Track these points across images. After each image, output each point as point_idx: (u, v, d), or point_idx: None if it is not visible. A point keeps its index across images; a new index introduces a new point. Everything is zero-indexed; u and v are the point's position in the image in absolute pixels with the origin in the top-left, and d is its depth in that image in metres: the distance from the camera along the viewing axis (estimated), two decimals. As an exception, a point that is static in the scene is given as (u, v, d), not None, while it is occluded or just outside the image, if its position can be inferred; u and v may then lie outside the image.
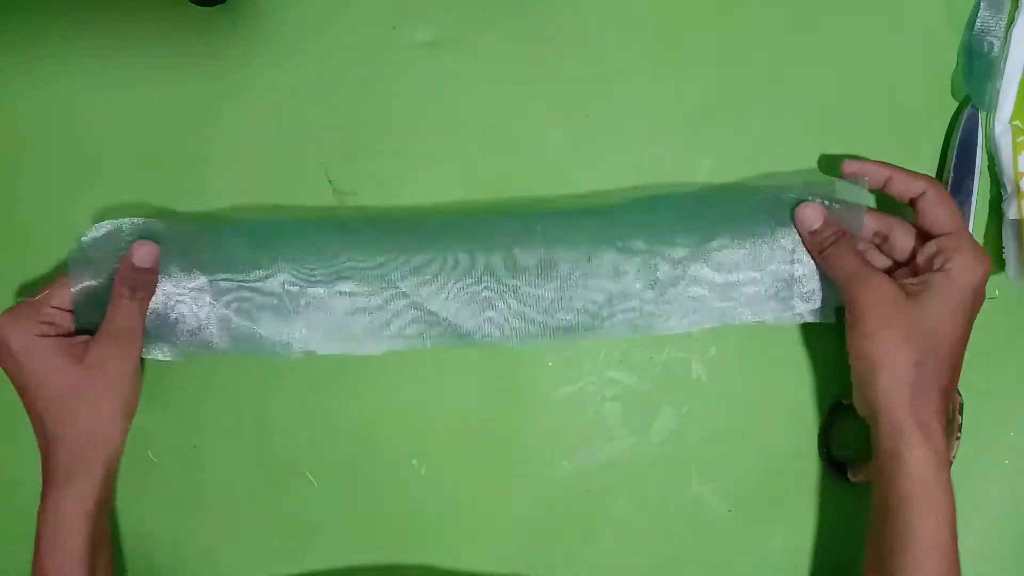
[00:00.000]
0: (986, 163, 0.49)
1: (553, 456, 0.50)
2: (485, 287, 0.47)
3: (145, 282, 0.46)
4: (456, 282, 0.47)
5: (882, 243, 0.46)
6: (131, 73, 0.49)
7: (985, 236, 0.50)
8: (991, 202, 0.50)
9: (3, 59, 0.49)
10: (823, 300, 0.47)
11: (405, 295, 0.47)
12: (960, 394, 0.48)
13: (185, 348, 0.48)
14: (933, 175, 0.49)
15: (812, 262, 0.47)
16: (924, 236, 0.45)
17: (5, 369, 0.45)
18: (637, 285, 0.47)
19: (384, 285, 0.47)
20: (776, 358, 0.50)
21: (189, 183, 0.49)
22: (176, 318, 0.47)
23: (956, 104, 0.49)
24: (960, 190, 0.48)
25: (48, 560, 0.44)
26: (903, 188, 0.45)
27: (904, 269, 0.46)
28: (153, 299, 0.47)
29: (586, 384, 0.50)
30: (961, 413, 0.49)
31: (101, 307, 0.46)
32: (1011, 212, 0.48)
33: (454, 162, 0.49)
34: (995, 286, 0.50)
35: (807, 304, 0.47)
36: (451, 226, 0.48)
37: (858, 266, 0.44)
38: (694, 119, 0.49)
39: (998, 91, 0.48)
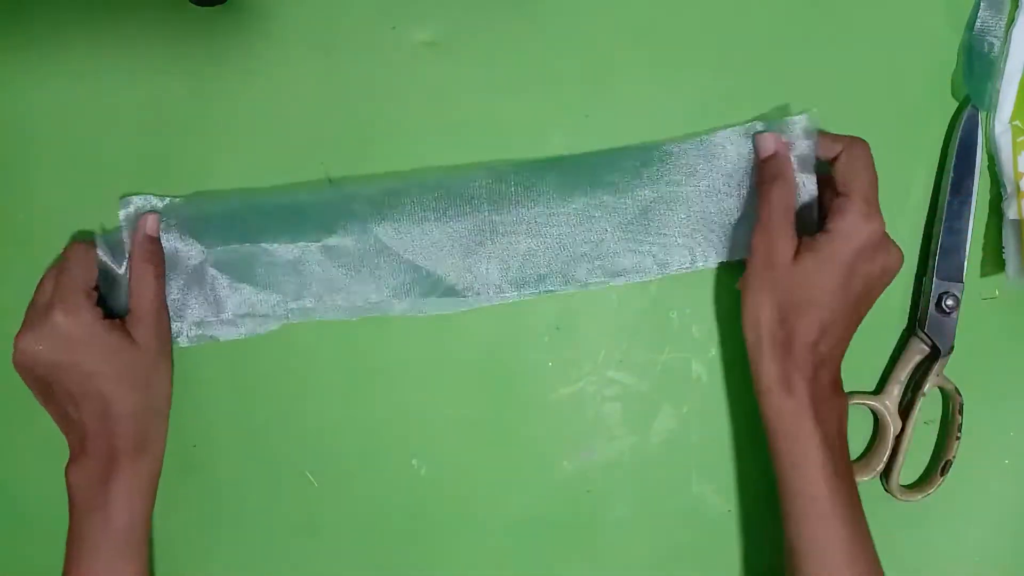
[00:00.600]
0: (986, 163, 0.49)
1: (553, 456, 0.50)
2: (467, 229, 0.48)
3: (159, 252, 0.48)
4: (436, 222, 0.48)
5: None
6: (131, 73, 0.49)
7: (985, 236, 0.50)
8: (991, 202, 0.50)
9: (4, 59, 0.49)
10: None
11: (385, 246, 0.48)
12: (960, 394, 0.48)
13: (194, 330, 0.49)
14: (933, 175, 0.49)
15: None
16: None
17: (59, 364, 0.44)
18: (607, 229, 0.48)
19: (363, 233, 0.48)
20: None
21: (189, 182, 0.49)
22: (182, 299, 0.48)
23: (956, 104, 0.49)
24: (960, 190, 0.48)
25: (121, 519, 0.44)
26: (824, 149, 0.46)
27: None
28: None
29: (586, 384, 0.50)
30: (961, 413, 0.49)
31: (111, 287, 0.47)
32: (1011, 212, 0.48)
33: (454, 162, 0.49)
34: (995, 286, 0.50)
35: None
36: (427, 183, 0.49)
37: (769, 215, 0.44)
38: (694, 119, 0.49)
39: (998, 91, 0.48)
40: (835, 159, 0.45)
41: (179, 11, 0.48)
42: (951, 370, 0.48)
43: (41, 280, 0.47)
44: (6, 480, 0.50)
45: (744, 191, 0.48)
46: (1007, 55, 0.48)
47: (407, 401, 0.50)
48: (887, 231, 0.43)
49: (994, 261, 0.49)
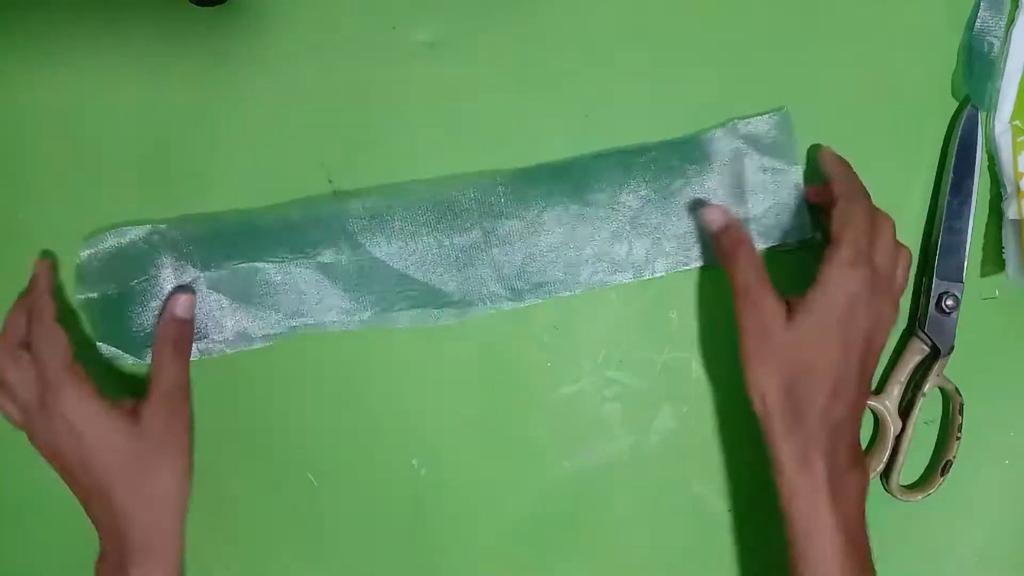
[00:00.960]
0: (986, 163, 0.49)
1: (553, 456, 0.50)
2: (460, 243, 0.48)
3: (186, 334, 0.46)
4: (429, 236, 0.48)
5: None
6: (131, 73, 0.49)
7: (985, 236, 0.50)
8: (991, 202, 0.50)
9: (3, 59, 0.49)
10: (784, 232, 0.48)
11: (380, 262, 0.48)
12: (960, 394, 0.48)
13: (194, 351, 0.48)
14: (933, 175, 0.49)
15: (766, 197, 0.48)
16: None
17: (55, 451, 0.42)
18: (603, 234, 0.48)
19: (356, 249, 0.48)
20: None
21: (189, 183, 0.49)
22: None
23: (956, 104, 0.49)
24: (960, 190, 0.48)
25: None
26: (825, 194, 0.45)
27: None
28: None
29: (586, 384, 0.50)
30: (961, 413, 0.49)
31: (109, 318, 0.46)
32: (1011, 212, 0.48)
33: (454, 162, 0.49)
34: (995, 286, 0.50)
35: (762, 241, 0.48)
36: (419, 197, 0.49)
37: (746, 281, 0.43)
38: (694, 119, 0.49)
39: (998, 91, 0.48)
40: (834, 204, 0.44)
41: (179, 11, 0.48)
42: (951, 370, 0.48)
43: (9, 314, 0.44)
44: (11, 483, 0.50)
45: (732, 189, 0.48)
46: (1007, 55, 0.48)
47: (407, 401, 0.50)
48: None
49: (994, 261, 0.49)
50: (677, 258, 0.49)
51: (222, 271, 0.48)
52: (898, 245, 0.44)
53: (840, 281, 0.41)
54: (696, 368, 0.50)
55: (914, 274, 0.50)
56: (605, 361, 0.50)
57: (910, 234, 0.50)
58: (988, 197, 0.50)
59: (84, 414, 0.41)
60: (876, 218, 0.43)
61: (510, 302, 0.49)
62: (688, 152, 0.48)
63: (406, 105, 0.49)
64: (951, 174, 0.48)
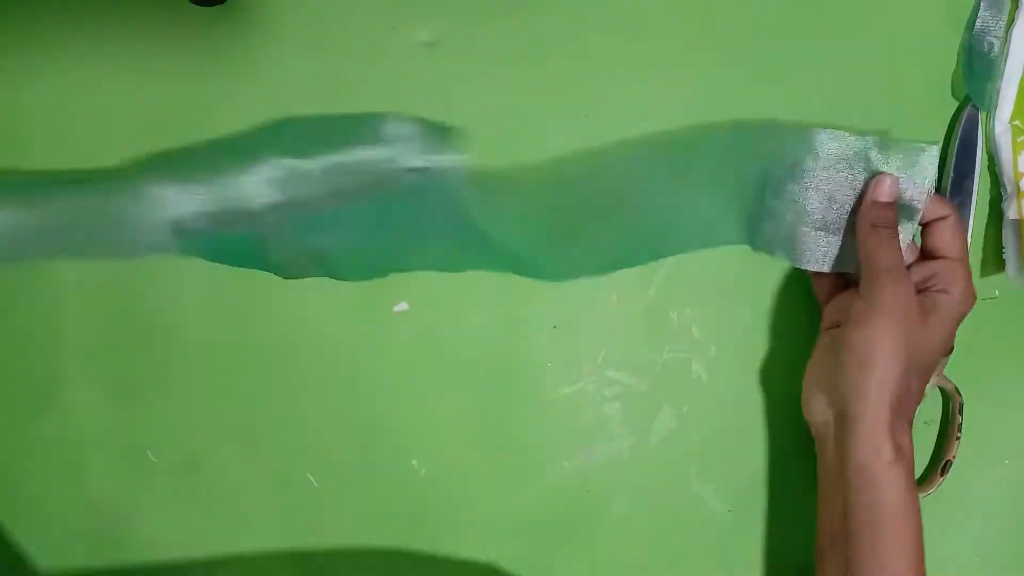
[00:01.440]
0: (986, 163, 0.49)
1: (553, 456, 0.50)
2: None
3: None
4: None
5: None
6: (130, 73, 0.49)
7: (985, 236, 0.50)
8: (991, 202, 0.50)
9: (3, 59, 0.49)
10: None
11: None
12: (960, 394, 0.48)
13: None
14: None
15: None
16: (924, 255, 0.46)
17: None
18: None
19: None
20: (776, 358, 0.50)
21: (189, 183, 0.49)
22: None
23: (956, 104, 0.49)
24: (960, 190, 0.48)
25: None
26: (930, 208, 0.45)
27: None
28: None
29: (586, 384, 0.50)
30: (961, 413, 0.49)
31: None
32: (1011, 212, 0.48)
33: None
34: (995, 286, 0.50)
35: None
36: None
37: (896, 262, 0.43)
38: (694, 119, 0.49)
39: (998, 91, 0.48)
40: (937, 220, 0.45)
41: (179, 11, 0.48)
42: (951, 370, 0.49)
43: None
44: (8, 476, 0.50)
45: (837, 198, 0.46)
46: (1007, 55, 0.48)
47: (407, 401, 0.50)
48: None
49: (994, 261, 0.49)
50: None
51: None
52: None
53: (967, 300, 0.44)
54: (696, 368, 0.50)
55: None
56: (605, 361, 0.50)
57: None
58: (988, 197, 0.50)
59: None
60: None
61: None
62: (804, 144, 0.46)
63: (406, 105, 0.49)
64: (951, 174, 0.48)
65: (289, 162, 0.47)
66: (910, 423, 0.43)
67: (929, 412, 0.50)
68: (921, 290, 0.44)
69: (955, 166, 0.48)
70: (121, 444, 0.49)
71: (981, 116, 0.48)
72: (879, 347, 0.42)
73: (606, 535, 0.50)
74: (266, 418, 0.50)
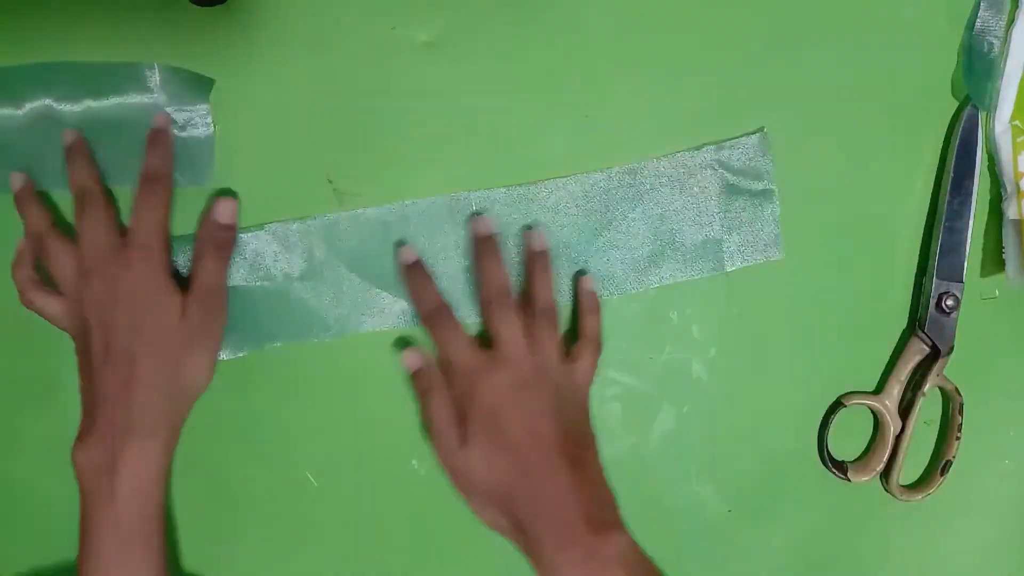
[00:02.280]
0: (986, 163, 0.49)
1: (553, 456, 0.50)
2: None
3: (228, 240, 0.47)
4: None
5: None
6: (131, 73, 0.49)
7: (985, 236, 0.50)
8: (991, 202, 0.50)
9: (3, 59, 0.49)
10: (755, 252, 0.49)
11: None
12: (960, 394, 0.48)
13: None
14: (933, 175, 0.49)
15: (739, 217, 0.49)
16: None
17: (104, 310, 0.43)
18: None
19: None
20: (776, 358, 0.50)
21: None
22: None
23: (956, 104, 0.49)
24: (960, 190, 0.48)
25: (130, 510, 0.43)
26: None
27: None
28: None
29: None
30: (961, 413, 0.49)
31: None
32: (1011, 212, 0.48)
33: (454, 162, 0.49)
34: (995, 286, 0.50)
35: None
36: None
37: (442, 426, 0.46)
38: (694, 119, 0.49)
39: (998, 91, 0.48)
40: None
41: (179, 11, 0.48)
42: (951, 370, 0.49)
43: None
44: (9, 474, 0.50)
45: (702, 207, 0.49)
46: (1007, 55, 0.48)
47: (407, 401, 0.50)
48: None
49: (994, 261, 0.49)
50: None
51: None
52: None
53: (479, 399, 0.44)
54: (696, 368, 0.50)
55: (914, 274, 0.50)
56: (605, 361, 0.50)
57: (910, 234, 0.50)
58: (988, 197, 0.50)
59: (157, 277, 0.44)
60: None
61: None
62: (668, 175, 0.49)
63: (406, 105, 0.49)
64: (951, 174, 0.48)
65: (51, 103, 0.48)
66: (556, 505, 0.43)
67: (929, 412, 0.50)
68: None
69: (955, 166, 0.48)
70: (121, 444, 0.49)
71: (981, 116, 0.48)
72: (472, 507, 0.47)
73: (606, 535, 0.50)
74: (266, 418, 0.50)
